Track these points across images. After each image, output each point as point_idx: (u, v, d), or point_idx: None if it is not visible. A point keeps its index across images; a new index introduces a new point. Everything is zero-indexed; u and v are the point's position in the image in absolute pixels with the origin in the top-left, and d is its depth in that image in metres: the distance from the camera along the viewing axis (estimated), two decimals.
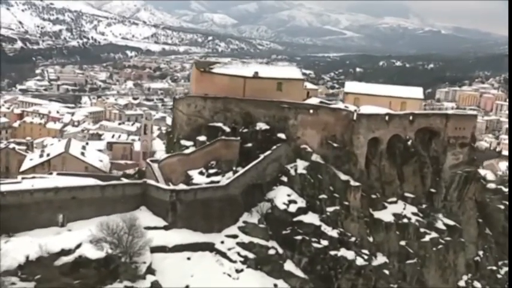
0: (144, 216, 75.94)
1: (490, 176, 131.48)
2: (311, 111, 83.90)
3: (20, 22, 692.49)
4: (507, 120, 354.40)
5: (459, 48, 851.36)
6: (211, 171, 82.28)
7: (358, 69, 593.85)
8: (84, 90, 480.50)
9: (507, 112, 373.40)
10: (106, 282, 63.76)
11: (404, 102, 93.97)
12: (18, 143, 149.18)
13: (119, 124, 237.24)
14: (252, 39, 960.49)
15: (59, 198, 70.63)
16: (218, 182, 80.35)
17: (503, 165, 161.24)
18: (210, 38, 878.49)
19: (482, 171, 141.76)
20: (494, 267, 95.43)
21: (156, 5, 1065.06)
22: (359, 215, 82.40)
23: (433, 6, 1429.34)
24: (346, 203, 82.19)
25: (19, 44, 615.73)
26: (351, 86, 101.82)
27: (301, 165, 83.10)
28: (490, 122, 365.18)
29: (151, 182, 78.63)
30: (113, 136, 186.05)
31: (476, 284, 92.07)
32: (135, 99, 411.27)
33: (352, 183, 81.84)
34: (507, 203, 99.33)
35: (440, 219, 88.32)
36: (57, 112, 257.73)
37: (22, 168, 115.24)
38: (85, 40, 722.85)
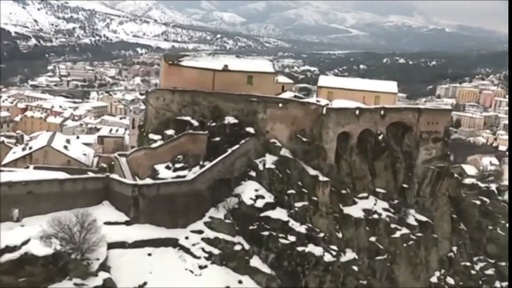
0: (106, 211, 72.39)
1: (472, 171, 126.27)
2: (280, 105, 79.19)
3: (35, 20, 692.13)
4: (506, 116, 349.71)
5: (462, 46, 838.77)
6: (177, 165, 77.79)
7: (362, 66, 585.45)
8: (93, 86, 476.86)
9: (506, 108, 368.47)
10: (55, 279, 59.50)
11: (378, 96, 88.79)
12: (9, 137, 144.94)
13: (120, 119, 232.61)
14: (259, 37, 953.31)
15: (13, 192, 66.63)
16: (184, 176, 76.03)
17: (486, 161, 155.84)
18: (218, 35, 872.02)
19: (465, 166, 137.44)
20: (468, 263, 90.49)
21: (168, 4, 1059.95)
22: (328, 210, 77.63)
23: (438, 4, 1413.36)
24: (315, 198, 77.53)
25: (33, 42, 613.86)
26: (324, 80, 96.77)
27: (269, 160, 78.59)
28: (488, 118, 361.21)
29: (115, 176, 74.63)
30: (110, 130, 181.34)
31: (450, 280, 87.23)
32: (142, 94, 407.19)
33: (321, 178, 77.27)
34: (483, 198, 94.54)
35: (412, 215, 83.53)
36: (60, 107, 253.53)
37: (4, 162, 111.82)
38: (97, 38, 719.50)
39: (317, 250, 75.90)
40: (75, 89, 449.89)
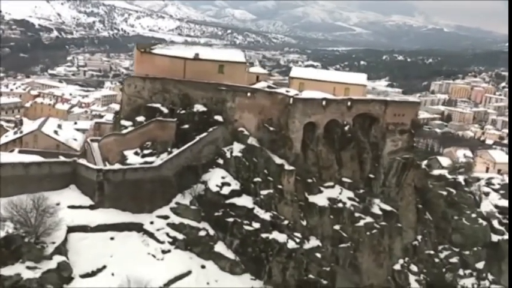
0: (72, 195, 68.04)
1: (446, 162, 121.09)
2: (248, 94, 74.21)
3: (58, 14, 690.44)
4: (494, 111, 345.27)
5: (459, 45, 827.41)
6: (146, 152, 73.35)
7: (362, 62, 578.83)
8: (107, 76, 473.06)
9: (495, 104, 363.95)
10: (7, 263, 55.15)
11: (347, 88, 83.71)
12: (8, 121, 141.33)
13: None
14: (268, 33, 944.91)
15: None
16: (152, 162, 71.53)
17: (461, 153, 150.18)
18: (229, 31, 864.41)
19: (440, 158, 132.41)
20: (432, 252, 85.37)
21: (183, 1, 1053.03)
22: (293, 198, 72.78)
23: (438, 5, 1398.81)
24: (280, 186, 72.66)
25: (55, 34, 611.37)
26: (296, 72, 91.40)
27: (237, 148, 73.79)
28: (477, 113, 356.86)
29: (81, 161, 70.41)
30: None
31: (413, 267, 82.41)
32: None
33: (287, 167, 72.49)
34: (450, 189, 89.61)
35: (377, 204, 78.56)
36: (70, 94, 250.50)
37: None
38: (115, 31, 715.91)
39: (281, 237, 71.33)
40: (91, 78, 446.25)
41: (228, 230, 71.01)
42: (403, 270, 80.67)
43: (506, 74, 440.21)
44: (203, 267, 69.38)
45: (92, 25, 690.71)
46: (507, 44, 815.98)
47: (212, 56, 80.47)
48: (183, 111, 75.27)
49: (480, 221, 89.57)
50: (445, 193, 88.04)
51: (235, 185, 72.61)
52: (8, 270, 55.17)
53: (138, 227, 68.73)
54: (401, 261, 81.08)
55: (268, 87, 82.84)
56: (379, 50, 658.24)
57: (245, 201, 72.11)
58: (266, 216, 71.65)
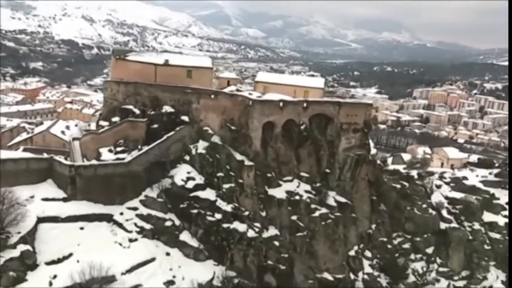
0: (47, 189, 63.02)
1: (407, 158, 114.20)
2: (212, 96, 68.22)
3: (99, 34, 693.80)
4: (466, 114, 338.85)
5: (440, 57, 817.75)
6: (118, 149, 67.74)
7: (355, 73, 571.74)
8: None
9: (467, 108, 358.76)
10: None
11: (307, 91, 76.71)
12: (30, 123, 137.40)
13: None
14: (276, 48, 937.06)
15: None
16: (123, 159, 66.03)
17: (421, 150, 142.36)
18: (242, 47, 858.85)
19: (403, 155, 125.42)
20: (386, 239, 78.38)
21: (205, 21, 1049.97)
22: (252, 191, 66.27)
23: (421, 23, 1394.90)
24: (241, 180, 66.40)
25: (95, 51, 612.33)
26: (261, 76, 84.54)
27: (201, 146, 67.84)
28: (452, 116, 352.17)
29: (57, 157, 65.10)
30: None
31: (367, 253, 75.83)
32: None
33: (247, 162, 66.14)
34: (403, 182, 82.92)
35: (332, 196, 71.99)
36: (97, 101, 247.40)
37: (10, 143, 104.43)
38: (146, 48, 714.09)
39: (241, 227, 65.53)
40: None
41: (193, 221, 65.49)
42: (358, 256, 73.96)
43: (478, 82, 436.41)
44: (168, 254, 63.83)
45: (127, 43, 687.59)
46: (481, 57, 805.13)
47: (181, 62, 74.51)
48: (152, 112, 69.36)
49: (430, 210, 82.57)
50: (398, 186, 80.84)
51: (199, 180, 66.97)
52: None
53: (108, 218, 63.48)
54: (356, 247, 74.22)
55: (237, 90, 76.25)
56: (371, 62, 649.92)
57: (208, 194, 66.42)
58: (228, 208, 65.91)
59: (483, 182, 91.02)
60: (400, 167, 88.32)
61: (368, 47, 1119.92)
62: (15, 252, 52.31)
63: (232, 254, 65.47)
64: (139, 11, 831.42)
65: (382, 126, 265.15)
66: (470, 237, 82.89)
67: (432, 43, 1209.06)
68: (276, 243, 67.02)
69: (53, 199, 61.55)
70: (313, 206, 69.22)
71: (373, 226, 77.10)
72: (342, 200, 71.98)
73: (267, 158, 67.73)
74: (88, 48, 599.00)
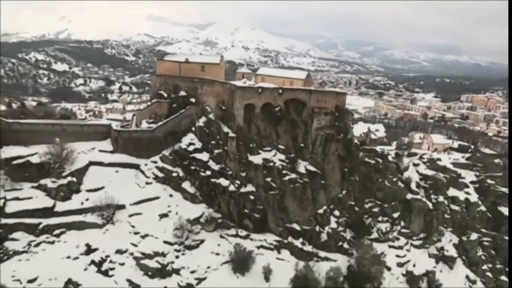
0: (104, 144, 63.05)
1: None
2: (210, 84, 58.69)
3: (250, 57, 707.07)
4: (499, 115, 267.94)
5: (489, 73, 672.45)
6: (150, 120, 64.45)
7: (421, 82, 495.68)
8: None
9: (501, 110, 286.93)
10: (42, 176, 51.50)
11: (292, 81, 63.64)
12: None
13: None
14: (366, 65, 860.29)
15: (55, 129, 58.76)
16: (151, 128, 61.07)
17: (417, 136, 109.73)
18: (342, 63, 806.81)
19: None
20: (353, 203, 63.29)
21: (319, 47, 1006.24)
22: (235, 156, 58.55)
23: (477, 47, 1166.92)
24: (226, 148, 56.85)
25: (245, 66, 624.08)
26: (260, 70, 72.76)
27: (202, 121, 61.66)
28: (487, 115, 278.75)
29: (113, 124, 62.67)
30: None
31: (336, 212, 61.22)
32: None
33: (231, 134, 58.14)
34: (378, 159, 64.17)
35: (304, 166, 58.77)
36: None
37: None
38: (278, 64, 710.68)
39: (225, 182, 58.52)
40: None
41: (192, 174, 60.13)
42: (326, 214, 60.11)
43: None
44: (171, 196, 59.96)
45: (266, 62, 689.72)
46: None
47: (197, 59, 66.64)
48: (173, 96, 64.41)
49: (399, 183, 65.00)
50: (373, 162, 61.58)
51: (198, 145, 61.77)
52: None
53: (136, 166, 62.33)
54: (325, 207, 59.65)
55: (247, 80, 64.92)
56: (435, 75, 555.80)
57: (203, 156, 60.94)
58: (216, 167, 59.79)
59: (453, 164, 67.02)
60: (376, 147, 66.91)
61: (435, 65, 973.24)
62: (64, 181, 53.04)
63: (219, 202, 57.04)
64: (276, 41, 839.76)
65: (430, 121, 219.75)
66: (432, 207, 63.98)
67: (485, 62, 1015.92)
68: (251, 197, 57.41)
69: (105, 151, 61.77)
70: (284, 171, 56.33)
71: (344, 192, 59.18)
72: (312, 169, 58.38)
73: (250, 132, 57.78)
74: (240, 66, 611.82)
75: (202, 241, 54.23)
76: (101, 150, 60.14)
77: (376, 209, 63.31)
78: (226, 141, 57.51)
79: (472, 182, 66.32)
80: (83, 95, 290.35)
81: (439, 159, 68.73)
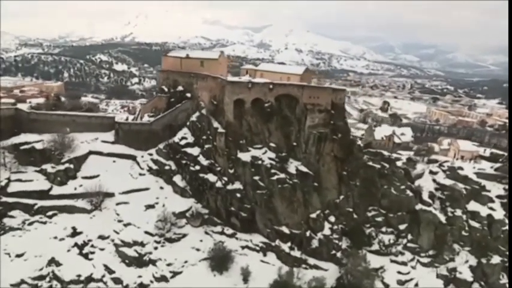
0: (107, 135, 66.33)
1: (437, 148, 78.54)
2: (204, 79, 58.58)
3: (302, 59, 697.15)
4: None
5: None
6: (150, 114, 66.45)
7: (484, 87, 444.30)
8: None
9: None
10: (44, 162, 56.31)
11: (289, 76, 60.38)
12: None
13: None
14: (424, 68, 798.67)
15: (66, 119, 63.87)
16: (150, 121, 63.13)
17: (446, 142, 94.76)
18: (398, 67, 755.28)
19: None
20: (351, 209, 58.26)
21: (375, 50, 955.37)
22: (223, 152, 57.41)
23: None
24: (215, 143, 56.22)
25: None
26: (260, 66, 70.02)
27: (195, 115, 61.30)
28: None
29: (117, 117, 66.31)
30: None
31: (331, 218, 57.18)
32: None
33: (219, 130, 56.95)
34: (384, 163, 57.94)
35: (295, 166, 55.43)
36: None
37: None
38: (330, 67, 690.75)
39: (213, 178, 58.11)
40: None
41: (183, 168, 60.97)
42: (319, 219, 55.53)
43: None
44: (161, 188, 60.24)
45: (318, 64, 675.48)
46: None
47: (196, 55, 66.81)
48: (172, 90, 64.92)
49: (407, 192, 57.91)
50: (378, 166, 55.77)
51: (190, 140, 61.35)
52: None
53: (132, 157, 64.80)
54: (318, 212, 55.13)
55: (249, 76, 63.71)
56: (503, 80, 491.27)
57: (194, 151, 61.64)
58: (205, 162, 59.42)
59: (477, 174, 57.26)
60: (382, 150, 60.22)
61: (504, 69, 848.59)
62: (62, 167, 57.01)
63: (208, 197, 56.44)
64: (331, 44, 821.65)
65: (489, 129, 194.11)
66: (445, 221, 55.11)
67: None
68: (238, 195, 55.40)
69: (107, 142, 65.45)
70: (273, 170, 53.94)
71: (341, 197, 54.78)
72: (304, 169, 55.00)
73: (241, 128, 55.61)
74: None
75: (184, 235, 54.47)
76: (103, 141, 63.64)
77: (379, 218, 57.32)
78: (215, 136, 56.70)
79: (498, 197, 56.19)
80: (136, 92, 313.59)
81: (461, 168, 59.53)
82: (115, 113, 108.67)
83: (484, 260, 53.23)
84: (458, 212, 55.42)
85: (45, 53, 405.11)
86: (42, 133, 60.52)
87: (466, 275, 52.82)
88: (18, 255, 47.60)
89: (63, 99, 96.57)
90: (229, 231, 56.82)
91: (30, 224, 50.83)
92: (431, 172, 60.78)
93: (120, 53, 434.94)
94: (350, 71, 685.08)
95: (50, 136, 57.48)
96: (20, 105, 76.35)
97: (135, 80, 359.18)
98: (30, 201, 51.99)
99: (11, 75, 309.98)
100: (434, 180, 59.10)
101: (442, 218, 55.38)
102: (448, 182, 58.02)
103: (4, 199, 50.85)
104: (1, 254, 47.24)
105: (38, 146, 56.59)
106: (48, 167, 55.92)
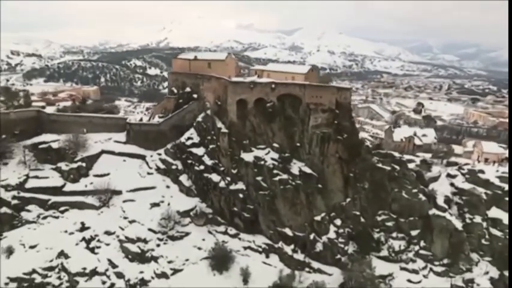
0: (120, 136, 69.26)
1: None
2: (209, 80, 59.48)
3: (334, 61, 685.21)
4: None
5: None
6: (161, 115, 67.92)
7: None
8: None
9: None
10: (59, 160, 59.49)
11: (293, 76, 59.08)
12: None
13: None
14: (464, 68, 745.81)
15: (83, 120, 67.78)
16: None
17: (470, 143, 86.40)
18: (435, 67, 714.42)
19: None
20: (358, 213, 55.81)
21: (411, 50, 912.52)
22: (227, 152, 57.72)
23: None
24: (219, 143, 56.88)
25: (327, 71, 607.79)
26: (267, 67, 68.57)
27: (201, 116, 61.72)
28: None
29: (128, 118, 68.96)
30: None
31: (337, 221, 55.33)
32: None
33: (223, 130, 57.26)
34: (394, 165, 54.95)
35: (298, 167, 54.39)
36: None
37: None
38: (363, 69, 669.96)
39: (216, 178, 58.54)
40: None
41: (189, 168, 61.88)
42: (323, 222, 54.03)
43: None
44: (168, 187, 61.48)
45: (350, 66, 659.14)
46: None
47: (204, 57, 67.79)
48: (180, 92, 65.18)
49: (420, 196, 54.34)
50: (388, 168, 53.37)
51: (196, 140, 61.99)
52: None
53: (142, 157, 66.21)
54: (323, 214, 53.69)
55: (257, 77, 63.75)
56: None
57: (199, 151, 61.99)
58: (210, 162, 59.95)
59: (500, 178, 52.23)
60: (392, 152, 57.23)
61: None
62: (75, 165, 60.37)
63: (211, 197, 57.01)
64: (365, 46, 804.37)
65: None
66: (461, 228, 49.97)
67: None
68: (241, 195, 55.40)
69: (119, 142, 67.81)
70: (275, 171, 53.25)
71: (348, 200, 52.91)
72: (308, 170, 53.65)
73: (244, 128, 55.85)
74: (322, 69, 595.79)
75: (187, 234, 55.30)
76: (115, 141, 66.58)
77: (389, 223, 54.62)
78: (219, 136, 57.30)
79: None
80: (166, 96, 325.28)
81: (482, 171, 55.11)
82: (132, 114, 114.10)
83: (506, 273, 48.60)
84: (478, 219, 51.15)
85: (84, 60, 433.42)
86: (61, 133, 64.60)
87: (486, 287, 48.58)
88: (31, 247, 51.16)
89: (89, 102, 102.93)
90: (233, 231, 56.91)
91: (44, 218, 54.45)
92: (449, 175, 56.79)
93: (154, 58, 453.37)
94: (384, 72, 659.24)
95: (65, 136, 61.40)
96: (48, 108, 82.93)
97: (167, 83, 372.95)
98: (45, 197, 55.72)
99: (54, 81, 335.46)
100: (452, 184, 55.15)
101: (459, 225, 51.48)
102: (467, 186, 54.09)
103: (22, 194, 54.98)
104: (16, 244, 51.13)
105: (54, 145, 60.38)
106: (63, 165, 59.49)
